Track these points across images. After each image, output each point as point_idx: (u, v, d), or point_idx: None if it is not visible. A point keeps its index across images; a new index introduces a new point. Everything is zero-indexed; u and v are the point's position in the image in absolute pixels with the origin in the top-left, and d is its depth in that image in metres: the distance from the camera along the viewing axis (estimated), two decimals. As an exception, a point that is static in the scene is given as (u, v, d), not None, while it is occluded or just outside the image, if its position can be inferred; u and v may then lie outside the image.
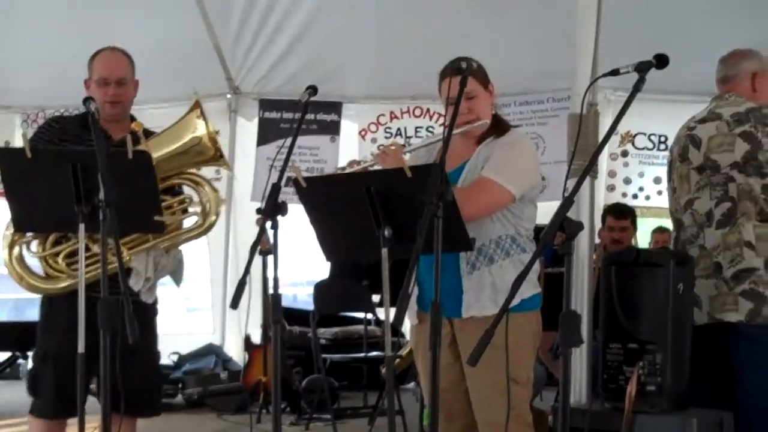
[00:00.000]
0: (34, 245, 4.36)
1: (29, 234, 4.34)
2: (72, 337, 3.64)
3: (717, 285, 4.86)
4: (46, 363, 4.43)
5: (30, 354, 7.66)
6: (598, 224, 7.38)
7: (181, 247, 4.58)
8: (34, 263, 4.44)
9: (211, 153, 4.40)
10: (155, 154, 4.14)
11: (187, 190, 4.55)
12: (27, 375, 4.58)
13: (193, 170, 4.49)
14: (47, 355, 4.43)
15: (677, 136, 5.12)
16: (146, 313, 4.47)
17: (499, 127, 4.16)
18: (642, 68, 3.17)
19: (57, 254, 4.34)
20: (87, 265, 4.16)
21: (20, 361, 6.56)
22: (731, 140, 4.84)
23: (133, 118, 4.48)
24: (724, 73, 5.11)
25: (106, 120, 4.40)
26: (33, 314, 10.13)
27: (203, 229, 4.47)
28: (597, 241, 6.70)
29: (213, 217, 4.46)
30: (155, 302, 4.60)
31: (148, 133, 4.32)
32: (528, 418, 4.10)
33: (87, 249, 4.17)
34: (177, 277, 4.58)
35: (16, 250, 4.36)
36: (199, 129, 4.36)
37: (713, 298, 4.86)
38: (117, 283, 3.79)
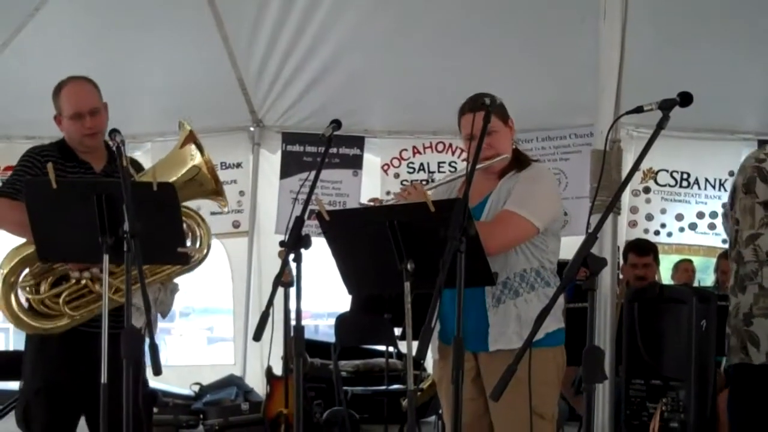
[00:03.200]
0: (28, 287, 4.33)
1: (24, 273, 4.32)
2: (65, 371, 3.66)
3: None
4: (39, 397, 4.38)
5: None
6: (620, 260, 7.37)
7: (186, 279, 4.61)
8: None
9: (211, 185, 4.41)
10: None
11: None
12: (17, 409, 4.54)
13: (186, 204, 4.47)
14: (40, 389, 4.39)
15: (742, 166, 5.00)
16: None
17: (520, 161, 4.17)
18: (666, 106, 3.17)
19: (57, 295, 4.31)
20: (87, 303, 4.20)
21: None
22: None
23: (106, 144, 4.48)
24: None
25: (84, 152, 4.46)
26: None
27: (196, 262, 4.48)
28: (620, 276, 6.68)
29: (204, 251, 4.48)
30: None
31: (136, 164, 4.35)
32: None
33: (87, 288, 4.20)
34: (164, 309, 4.57)
35: (11, 293, 4.32)
36: (196, 158, 4.37)
37: None
38: (117, 318, 3.88)
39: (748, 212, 4.89)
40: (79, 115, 4.44)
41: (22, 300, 4.37)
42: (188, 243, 4.39)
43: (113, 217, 3.69)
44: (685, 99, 3.19)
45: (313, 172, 4.08)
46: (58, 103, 4.54)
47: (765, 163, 4.85)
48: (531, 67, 8.73)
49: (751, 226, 4.88)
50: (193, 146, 4.35)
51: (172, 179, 4.28)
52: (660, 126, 3.15)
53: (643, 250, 7.39)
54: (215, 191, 4.46)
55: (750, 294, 4.77)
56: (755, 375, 4.74)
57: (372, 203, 4.13)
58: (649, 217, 9.86)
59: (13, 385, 7.56)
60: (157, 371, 3.49)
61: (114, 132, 3.88)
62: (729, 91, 8.39)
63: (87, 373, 3.61)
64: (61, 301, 4.30)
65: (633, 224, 9.81)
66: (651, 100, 3.24)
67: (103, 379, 3.67)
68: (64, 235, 3.92)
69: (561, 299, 3.95)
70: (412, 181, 8.60)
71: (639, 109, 3.28)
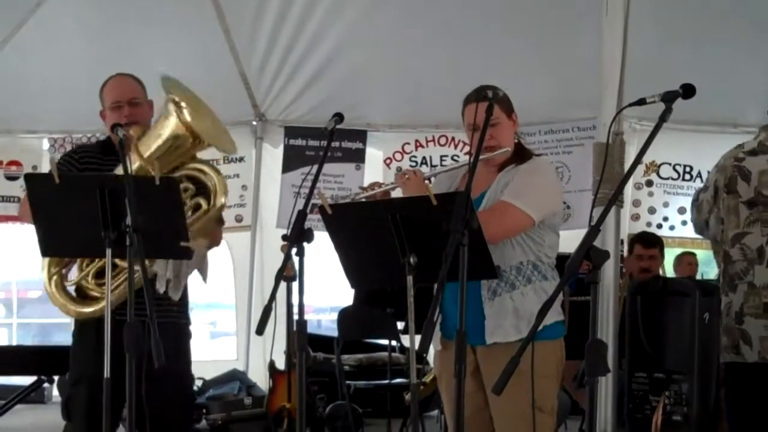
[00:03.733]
0: (73, 272, 4.36)
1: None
2: (102, 361, 3.63)
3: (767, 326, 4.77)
4: (79, 387, 4.42)
5: (56, 379, 7.70)
6: (624, 252, 7.37)
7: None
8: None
9: (190, 142, 4.30)
10: (146, 154, 4.19)
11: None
12: (62, 400, 4.56)
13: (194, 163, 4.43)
14: (79, 379, 4.43)
15: (722, 166, 5.02)
16: (179, 336, 4.47)
17: (521, 155, 4.16)
18: (669, 98, 3.16)
19: (88, 275, 4.34)
20: (115, 284, 4.18)
21: (45, 385, 6.57)
22: None
23: None
24: None
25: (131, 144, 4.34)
26: (58, 339, 10.18)
27: (213, 211, 4.38)
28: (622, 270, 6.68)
29: (222, 199, 4.38)
30: (187, 324, 4.59)
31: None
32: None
33: (115, 266, 4.17)
34: (203, 274, 4.48)
35: (56, 278, 4.35)
36: (171, 119, 4.29)
37: (764, 339, 4.76)
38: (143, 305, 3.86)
39: (732, 212, 4.91)
40: (117, 104, 4.44)
41: (69, 286, 4.39)
42: (201, 201, 4.34)
43: (116, 211, 3.69)
44: (688, 91, 3.18)
45: (316, 166, 4.07)
46: (102, 97, 4.55)
47: (744, 162, 4.87)
48: (533, 60, 8.74)
49: (736, 226, 4.90)
50: (170, 106, 4.28)
51: (152, 151, 4.26)
52: (663, 118, 3.14)
53: (650, 242, 7.41)
54: (202, 143, 4.37)
55: (740, 293, 4.79)
56: (748, 373, 4.75)
57: (370, 188, 4.13)
58: (652, 210, 9.87)
59: (18, 380, 7.61)
60: (160, 362, 3.48)
61: (116, 126, 3.88)
62: (731, 84, 8.39)
63: (124, 362, 3.58)
64: (89, 278, 4.33)
65: (635, 217, 9.81)
66: (653, 93, 3.24)
67: (107, 373, 3.66)
68: (66, 229, 3.91)
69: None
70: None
71: (642, 101, 3.27)
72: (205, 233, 4.41)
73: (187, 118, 4.24)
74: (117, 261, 4.17)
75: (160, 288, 4.25)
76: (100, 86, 4.59)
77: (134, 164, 4.14)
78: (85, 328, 4.41)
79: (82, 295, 4.43)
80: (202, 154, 4.52)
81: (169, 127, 4.24)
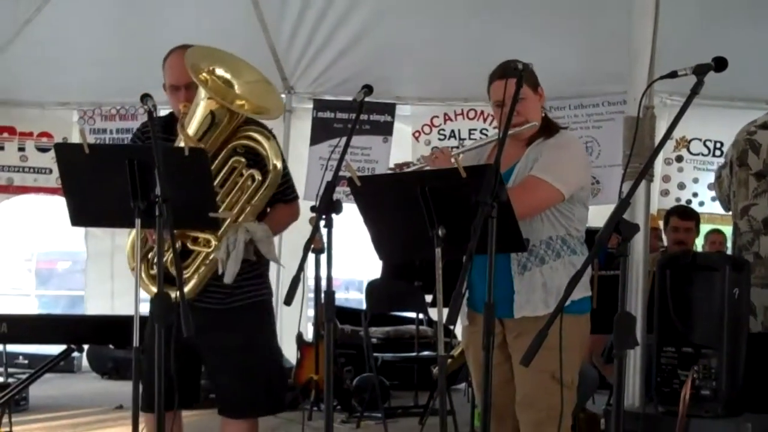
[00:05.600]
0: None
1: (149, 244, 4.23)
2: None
3: None
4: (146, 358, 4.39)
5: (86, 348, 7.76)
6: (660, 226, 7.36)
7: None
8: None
9: (227, 116, 4.16)
10: (191, 133, 4.12)
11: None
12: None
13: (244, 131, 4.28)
14: (146, 350, 4.39)
15: (735, 140, 5.06)
16: (246, 314, 4.36)
17: (548, 128, 4.15)
18: (700, 71, 3.14)
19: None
20: (186, 267, 4.19)
21: (75, 354, 6.62)
22: None
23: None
24: None
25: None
26: (91, 310, 10.22)
27: (270, 179, 4.27)
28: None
29: (277, 162, 4.26)
30: (262, 302, 4.46)
31: None
32: (568, 422, 4.06)
33: (189, 253, 4.19)
34: (270, 256, 4.32)
35: (144, 265, 4.25)
36: (202, 98, 4.16)
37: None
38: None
39: (742, 185, 4.93)
40: (175, 87, 4.29)
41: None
42: (255, 173, 4.22)
43: (145, 182, 3.70)
44: (720, 64, 3.16)
45: (344, 139, 4.06)
46: (163, 71, 4.38)
47: (756, 135, 4.88)
48: (563, 34, 8.70)
49: (745, 197, 4.91)
50: (199, 90, 4.17)
51: (195, 130, 4.16)
52: (694, 91, 3.12)
53: (686, 215, 7.39)
54: (240, 116, 4.23)
55: None
56: (752, 343, 4.77)
57: (398, 168, 4.12)
58: (681, 186, 9.83)
59: (47, 349, 7.68)
60: (189, 333, 3.48)
61: (146, 97, 3.86)
62: (763, 59, 8.32)
63: (186, 339, 3.57)
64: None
65: (665, 193, 9.78)
66: (685, 67, 3.22)
67: (135, 342, 3.69)
68: (96, 200, 3.91)
69: (589, 267, 3.94)
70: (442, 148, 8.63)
71: (673, 74, 3.25)
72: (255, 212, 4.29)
73: (218, 95, 4.15)
74: (190, 245, 4.19)
75: (219, 269, 4.19)
76: (164, 57, 4.39)
77: (181, 144, 4.11)
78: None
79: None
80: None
81: (202, 106, 4.17)
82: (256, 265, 4.30)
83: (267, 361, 4.45)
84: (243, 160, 4.23)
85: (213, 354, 4.31)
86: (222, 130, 4.18)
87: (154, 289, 4.07)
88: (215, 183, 4.13)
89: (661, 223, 7.89)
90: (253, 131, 4.27)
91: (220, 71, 4.27)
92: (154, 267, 4.10)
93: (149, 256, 4.25)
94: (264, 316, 4.47)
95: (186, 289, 4.07)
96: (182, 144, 4.10)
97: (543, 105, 4.18)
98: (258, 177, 4.22)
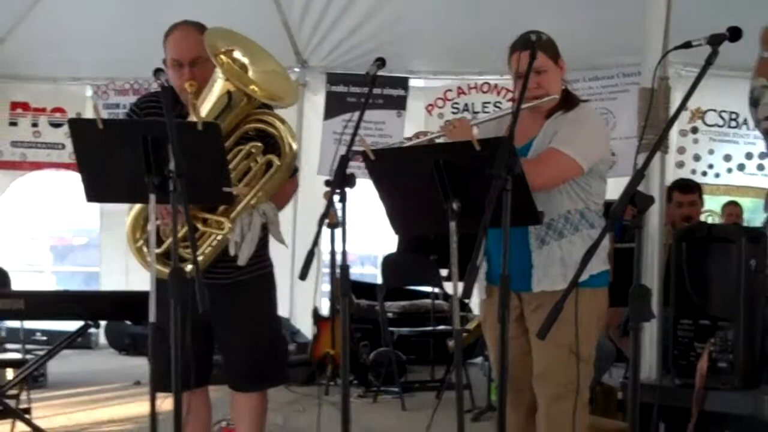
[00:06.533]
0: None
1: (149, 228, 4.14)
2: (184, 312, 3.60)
3: None
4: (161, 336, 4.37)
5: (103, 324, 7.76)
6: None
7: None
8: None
9: (244, 100, 4.14)
10: (203, 113, 4.09)
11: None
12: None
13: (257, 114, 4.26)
14: (160, 329, 4.37)
15: None
16: (252, 286, 4.40)
17: (568, 101, 4.12)
18: (715, 41, 3.13)
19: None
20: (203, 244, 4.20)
21: (92, 330, 6.64)
22: None
23: None
24: None
25: (189, 102, 4.21)
26: (106, 286, 10.28)
27: (286, 162, 4.24)
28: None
29: (293, 143, 4.24)
30: (265, 275, 4.51)
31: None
32: (586, 396, 4.06)
33: (196, 229, 4.17)
34: (277, 237, 4.34)
35: (141, 243, 4.27)
36: (219, 79, 4.13)
37: None
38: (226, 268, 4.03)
39: None
40: (177, 63, 4.23)
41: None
42: (272, 158, 4.20)
43: (159, 156, 3.69)
44: (735, 34, 3.14)
45: (357, 113, 4.05)
46: (164, 47, 4.31)
47: None
48: (577, 5, 8.65)
49: None
50: (216, 70, 4.12)
51: (209, 110, 4.13)
52: (708, 61, 3.11)
53: (688, 188, 7.27)
54: (255, 100, 4.20)
55: None
56: None
57: (415, 137, 4.10)
58: (697, 158, 9.80)
59: (65, 326, 7.70)
60: (204, 308, 3.48)
61: (159, 71, 3.84)
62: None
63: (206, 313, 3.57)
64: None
65: (680, 165, 9.75)
66: (699, 37, 3.20)
67: (151, 318, 3.69)
68: (110, 175, 3.90)
69: (607, 241, 3.93)
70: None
71: (687, 45, 3.23)
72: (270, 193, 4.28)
73: (234, 77, 4.12)
74: (200, 227, 4.19)
75: (231, 251, 4.20)
76: (165, 32, 4.34)
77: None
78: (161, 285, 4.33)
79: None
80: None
81: (218, 86, 4.14)
82: (260, 241, 4.31)
83: (273, 332, 4.55)
84: (260, 144, 4.21)
85: (221, 327, 4.35)
86: (237, 112, 4.17)
87: (157, 267, 4.04)
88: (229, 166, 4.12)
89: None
90: (267, 114, 4.27)
91: (237, 54, 4.25)
92: (159, 246, 4.09)
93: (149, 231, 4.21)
94: (267, 289, 4.54)
95: (189, 268, 4.07)
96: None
97: (563, 77, 4.16)
98: (276, 162, 4.21)
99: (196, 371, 3.95)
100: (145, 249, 4.29)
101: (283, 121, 4.27)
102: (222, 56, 4.16)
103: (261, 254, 4.40)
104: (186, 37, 4.24)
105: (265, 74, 4.29)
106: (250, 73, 4.25)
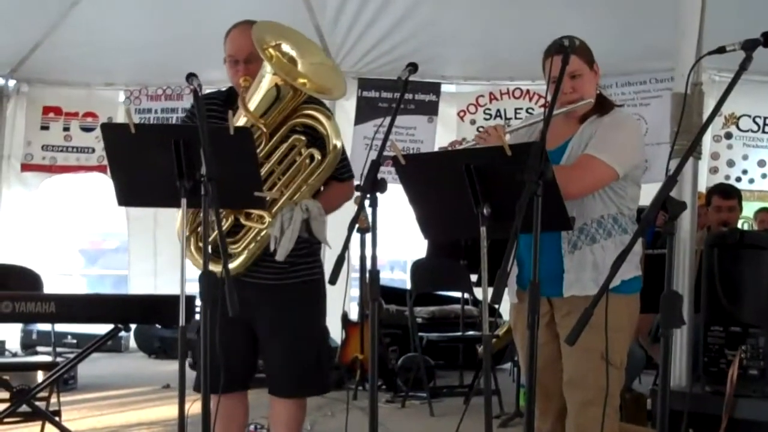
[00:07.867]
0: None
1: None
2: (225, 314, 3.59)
3: None
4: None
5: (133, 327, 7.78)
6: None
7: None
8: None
9: (291, 93, 4.14)
10: (252, 108, 4.12)
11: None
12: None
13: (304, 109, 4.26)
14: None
15: None
16: (298, 292, 4.33)
17: (603, 106, 4.11)
18: (749, 46, 3.10)
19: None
20: (237, 242, 4.19)
21: (122, 333, 6.68)
22: None
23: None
24: None
25: (240, 97, 4.26)
26: (134, 288, 10.31)
27: (329, 159, 4.26)
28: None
29: (337, 142, 4.27)
30: (313, 281, 4.41)
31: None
32: (616, 403, 4.04)
33: (241, 228, 4.19)
34: (320, 237, 4.23)
35: (192, 239, 4.24)
36: (267, 73, 4.13)
37: None
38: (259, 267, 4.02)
39: None
40: (234, 60, 4.28)
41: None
42: (314, 152, 4.20)
43: (191, 161, 3.70)
44: (769, 39, 3.12)
45: (388, 118, 4.05)
46: (224, 45, 4.36)
47: None
48: (608, 10, 8.62)
49: None
50: (264, 64, 4.13)
51: (257, 105, 4.14)
52: (743, 67, 3.08)
53: (728, 194, 7.27)
54: (303, 94, 4.19)
55: None
56: None
57: (451, 146, 4.10)
58: (731, 163, 9.74)
59: (95, 329, 7.74)
60: (234, 311, 3.49)
61: (191, 76, 3.86)
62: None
63: (241, 314, 3.56)
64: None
65: (714, 170, 9.69)
66: (733, 42, 3.18)
67: (181, 321, 3.70)
68: (142, 179, 3.93)
69: (639, 247, 3.91)
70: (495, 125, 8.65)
71: (721, 50, 3.21)
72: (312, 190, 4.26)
73: (283, 71, 4.12)
74: (242, 220, 4.19)
75: (271, 246, 4.17)
76: (226, 32, 4.39)
77: (242, 119, 4.13)
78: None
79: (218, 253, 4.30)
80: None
81: (266, 81, 4.14)
82: (309, 244, 4.29)
83: (316, 342, 4.45)
84: (303, 138, 4.22)
85: (263, 330, 4.32)
86: (284, 106, 4.17)
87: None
88: (274, 160, 4.15)
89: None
90: (314, 110, 4.26)
91: (286, 47, 4.25)
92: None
93: (198, 229, 4.20)
94: (315, 296, 4.43)
95: (234, 264, 4.09)
96: (243, 118, 4.12)
97: (598, 82, 4.15)
98: (317, 156, 4.21)
99: (235, 374, 3.96)
100: (193, 243, 4.25)
101: (329, 117, 4.29)
102: (270, 50, 4.17)
103: (310, 260, 4.37)
104: (242, 34, 4.26)
105: (313, 66, 4.29)
106: (299, 66, 4.26)
